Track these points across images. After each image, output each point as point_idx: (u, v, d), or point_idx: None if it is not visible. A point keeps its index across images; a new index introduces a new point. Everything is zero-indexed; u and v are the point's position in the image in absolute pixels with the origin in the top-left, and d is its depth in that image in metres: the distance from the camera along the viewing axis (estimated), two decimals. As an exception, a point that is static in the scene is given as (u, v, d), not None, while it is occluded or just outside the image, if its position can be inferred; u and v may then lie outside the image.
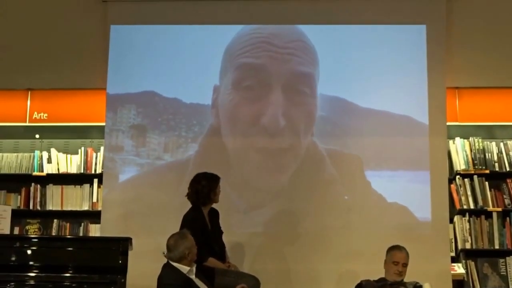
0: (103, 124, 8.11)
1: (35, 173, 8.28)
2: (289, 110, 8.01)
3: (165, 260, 6.13)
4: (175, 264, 6.00)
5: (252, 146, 8.00)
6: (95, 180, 8.21)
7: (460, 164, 8.10)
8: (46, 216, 8.22)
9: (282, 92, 8.03)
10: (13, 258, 5.95)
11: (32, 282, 5.83)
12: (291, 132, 7.99)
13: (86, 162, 8.28)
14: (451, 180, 8.04)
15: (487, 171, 8.07)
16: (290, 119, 8.00)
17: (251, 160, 7.98)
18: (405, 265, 6.40)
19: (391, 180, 7.85)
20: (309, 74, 8.14)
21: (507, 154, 8.12)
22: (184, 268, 5.98)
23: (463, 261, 7.83)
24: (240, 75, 8.14)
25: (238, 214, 7.80)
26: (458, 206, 7.99)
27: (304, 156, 7.98)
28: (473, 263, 7.86)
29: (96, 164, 8.28)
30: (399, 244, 6.51)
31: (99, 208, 8.04)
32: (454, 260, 7.86)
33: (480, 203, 7.98)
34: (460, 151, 8.13)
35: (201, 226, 6.54)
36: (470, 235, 7.90)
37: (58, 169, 8.29)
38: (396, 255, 6.42)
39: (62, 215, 8.24)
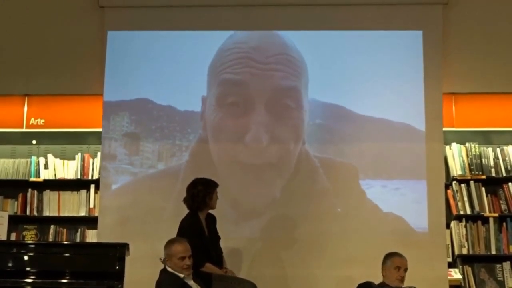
0: (100, 130, 8.11)
1: (32, 179, 8.28)
2: (273, 127, 7.98)
3: (162, 265, 6.13)
4: (170, 269, 6.00)
5: (237, 162, 7.97)
6: (92, 186, 8.20)
7: (456, 169, 8.11)
8: (43, 222, 8.22)
9: (266, 108, 8.00)
10: (10, 264, 5.93)
11: (29, 288, 5.83)
12: (277, 147, 7.96)
13: (83, 168, 8.28)
14: (447, 186, 8.05)
15: (484, 177, 8.08)
16: (275, 136, 7.97)
17: (237, 176, 7.95)
18: (406, 270, 6.41)
19: (387, 186, 7.84)
20: (293, 88, 8.13)
21: (504, 160, 8.13)
22: (180, 274, 5.98)
23: (460, 267, 7.84)
24: (223, 91, 8.12)
25: (232, 223, 7.78)
26: (454, 212, 8.00)
27: (296, 167, 7.96)
28: (470, 268, 7.87)
29: (93, 170, 8.28)
30: (396, 251, 6.53)
31: (96, 214, 8.04)
32: (451, 265, 7.87)
33: (477, 208, 7.99)
34: (457, 157, 8.14)
35: (198, 231, 6.54)
36: (467, 240, 7.92)
37: (55, 175, 8.29)
38: (398, 260, 6.42)
39: (59, 221, 8.24)
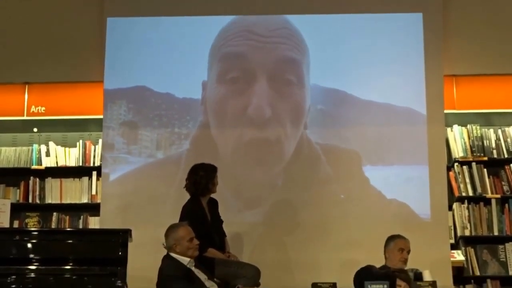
0: (101, 116, 8.10)
1: (34, 166, 8.29)
2: (275, 101, 7.94)
3: (164, 251, 6.14)
4: (174, 255, 6.01)
5: (239, 140, 7.94)
6: (94, 173, 8.21)
7: (458, 151, 8.12)
8: (46, 210, 8.23)
9: (267, 81, 7.96)
10: (13, 252, 5.95)
11: (32, 275, 5.83)
12: (277, 124, 7.93)
13: (84, 155, 8.28)
14: (449, 168, 8.06)
15: (485, 158, 8.08)
16: (276, 110, 7.93)
17: (239, 154, 7.92)
18: (409, 252, 6.42)
19: (389, 172, 7.83)
20: (295, 60, 8.08)
21: (505, 141, 8.13)
22: (184, 259, 5.99)
23: (463, 248, 7.85)
24: (223, 67, 8.08)
25: (234, 208, 7.78)
26: (457, 194, 8.01)
27: (297, 153, 7.94)
28: (472, 250, 7.88)
29: (94, 156, 8.28)
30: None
31: (98, 201, 8.04)
32: (454, 247, 7.87)
33: (479, 190, 8.00)
34: (458, 139, 8.14)
35: (200, 217, 6.55)
36: (469, 222, 7.93)
37: (57, 162, 8.30)
38: (401, 242, 6.42)
39: (62, 208, 8.25)
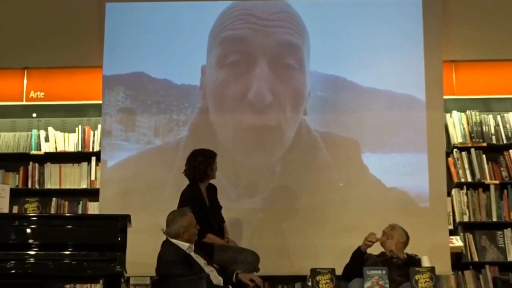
0: (100, 102, 8.09)
1: (33, 152, 8.28)
2: (275, 85, 7.91)
3: (164, 237, 6.15)
4: (174, 240, 6.03)
5: (239, 125, 7.92)
6: (93, 158, 8.20)
7: (457, 137, 8.12)
8: (45, 195, 8.22)
9: (268, 65, 7.93)
10: (13, 237, 5.93)
11: (32, 260, 5.82)
12: (278, 109, 7.91)
13: (83, 140, 8.28)
14: (448, 154, 8.06)
15: (484, 144, 8.08)
16: (277, 95, 7.90)
17: (239, 139, 7.89)
18: (396, 239, 6.52)
19: (388, 158, 7.82)
20: (296, 45, 8.05)
21: (504, 127, 8.13)
22: (183, 245, 6.01)
23: (461, 234, 7.86)
24: (223, 50, 8.03)
25: (233, 193, 7.78)
26: (455, 180, 8.01)
27: (297, 140, 7.91)
28: (471, 235, 7.89)
29: (93, 142, 8.27)
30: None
31: (98, 186, 8.04)
32: (452, 233, 7.88)
33: (478, 176, 8.00)
34: (457, 125, 8.13)
35: (199, 202, 6.56)
36: (468, 208, 7.93)
37: (56, 148, 8.29)
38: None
39: (61, 193, 8.25)
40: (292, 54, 8.03)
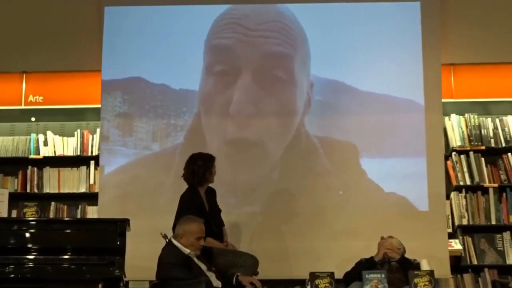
0: (99, 106, 8.09)
1: (32, 156, 8.28)
2: (259, 98, 7.84)
3: (162, 240, 6.16)
4: (176, 242, 6.05)
5: (223, 137, 7.85)
6: (92, 162, 8.20)
7: (456, 140, 8.12)
8: (44, 199, 8.22)
9: (252, 77, 7.84)
10: (12, 241, 5.94)
11: (31, 265, 5.82)
12: (260, 122, 7.84)
13: (82, 144, 8.28)
14: (447, 157, 8.06)
15: (483, 147, 8.09)
16: (260, 108, 7.83)
17: (223, 152, 7.73)
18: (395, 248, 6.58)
19: (387, 159, 7.81)
20: (285, 55, 7.95)
21: (503, 130, 8.13)
22: (185, 250, 6.03)
23: (460, 237, 7.86)
24: (211, 58, 7.99)
25: (231, 199, 7.77)
26: (454, 183, 8.02)
27: (295, 146, 7.86)
28: (470, 239, 7.90)
29: (92, 146, 8.27)
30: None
31: (97, 190, 8.04)
32: (451, 236, 7.89)
33: (477, 179, 8.00)
34: (456, 128, 8.14)
35: (198, 206, 6.56)
36: (467, 211, 7.94)
37: (55, 152, 8.29)
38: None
39: (60, 197, 8.25)
40: (281, 67, 7.94)
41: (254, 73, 7.87)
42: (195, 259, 6.07)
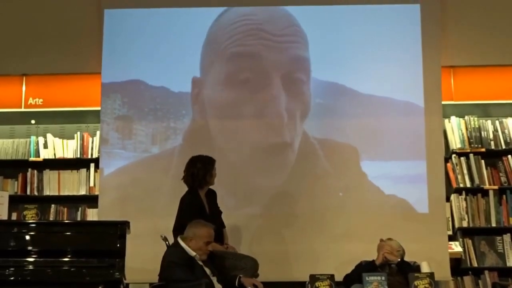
0: (99, 108, 8.09)
1: (32, 158, 8.28)
2: (289, 103, 7.85)
3: (162, 243, 6.16)
4: (182, 243, 6.06)
5: (257, 145, 7.84)
6: (92, 165, 8.19)
7: (456, 143, 8.11)
8: (44, 201, 8.21)
9: (282, 82, 7.87)
10: (12, 244, 5.94)
11: (31, 267, 5.82)
12: (291, 127, 7.87)
13: (82, 146, 8.27)
14: (447, 159, 8.06)
15: (483, 150, 8.08)
16: (290, 113, 7.86)
17: (249, 160, 7.79)
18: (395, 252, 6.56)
19: (387, 162, 7.81)
20: (306, 59, 7.98)
21: (503, 132, 8.13)
22: (191, 252, 6.05)
23: (460, 240, 7.86)
24: (233, 67, 7.95)
25: (232, 200, 7.76)
26: (454, 185, 8.01)
27: (296, 149, 7.89)
28: (470, 241, 7.89)
29: (92, 148, 8.27)
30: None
31: (97, 193, 8.03)
32: (451, 238, 7.88)
33: (477, 181, 8.00)
34: (456, 130, 8.13)
35: (198, 209, 6.56)
36: (467, 213, 7.93)
37: (55, 154, 8.29)
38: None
39: (60, 200, 8.24)
40: (302, 69, 7.97)
41: (282, 78, 7.89)
42: (200, 262, 6.07)
